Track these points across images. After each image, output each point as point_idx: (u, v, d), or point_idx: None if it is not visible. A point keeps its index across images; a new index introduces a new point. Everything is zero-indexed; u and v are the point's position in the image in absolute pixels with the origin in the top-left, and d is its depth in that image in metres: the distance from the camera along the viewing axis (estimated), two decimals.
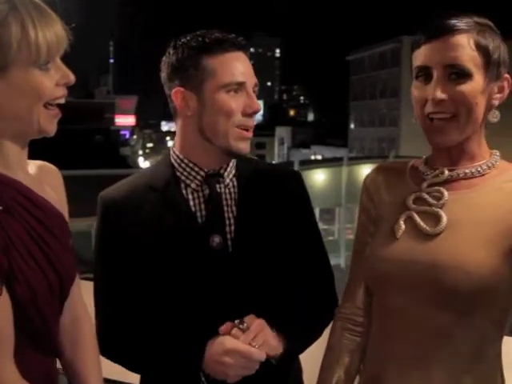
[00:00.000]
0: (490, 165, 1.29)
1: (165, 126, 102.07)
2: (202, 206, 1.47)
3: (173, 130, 1.81)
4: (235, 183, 1.51)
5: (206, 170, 1.48)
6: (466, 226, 1.23)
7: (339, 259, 29.11)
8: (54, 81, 1.13)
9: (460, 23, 1.23)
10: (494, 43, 1.24)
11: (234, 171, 1.52)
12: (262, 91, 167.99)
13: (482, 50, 1.22)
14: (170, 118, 1.56)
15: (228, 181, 1.50)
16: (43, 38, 1.08)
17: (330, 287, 1.59)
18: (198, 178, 1.48)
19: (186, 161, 1.49)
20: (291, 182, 1.58)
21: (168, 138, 78.92)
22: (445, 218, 1.24)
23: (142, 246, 1.41)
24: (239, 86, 1.42)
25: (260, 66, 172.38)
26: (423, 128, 1.27)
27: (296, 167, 27.86)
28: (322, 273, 1.59)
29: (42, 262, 1.12)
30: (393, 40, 46.16)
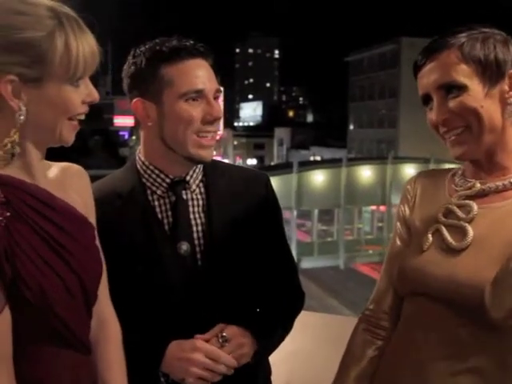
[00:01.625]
0: None
1: None
2: (169, 213, 1.47)
3: None
4: (202, 189, 1.51)
5: (171, 176, 1.48)
6: (491, 242, 1.20)
7: (338, 260, 29.07)
8: (82, 98, 1.15)
9: (440, 43, 1.25)
10: (486, 47, 1.23)
11: (200, 177, 1.52)
12: (261, 92, 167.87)
13: (470, 58, 1.22)
14: None
15: (194, 187, 1.50)
16: (83, 55, 1.10)
17: (295, 283, 1.62)
18: (164, 184, 1.48)
19: (151, 167, 1.48)
20: (258, 185, 1.58)
21: None
22: (471, 233, 1.22)
23: (109, 252, 1.36)
24: (198, 94, 1.41)
25: (259, 67, 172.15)
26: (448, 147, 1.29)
27: (295, 168, 27.84)
28: (288, 270, 1.62)
29: (58, 265, 1.11)
30: (392, 41, 46.18)
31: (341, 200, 29.25)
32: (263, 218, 1.55)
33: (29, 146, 1.14)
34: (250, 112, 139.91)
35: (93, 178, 1.55)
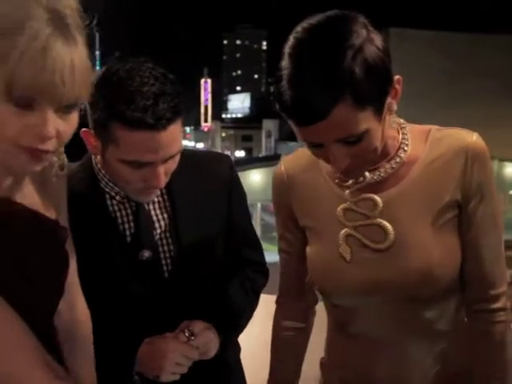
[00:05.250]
0: (404, 147, 1.18)
1: None
2: (130, 218, 1.40)
3: None
4: (163, 189, 1.41)
5: None
6: (406, 227, 1.16)
7: None
8: (22, 123, 0.91)
9: (325, 100, 1.01)
10: (374, 76, 1.04)
11: None
12: (249, 84, 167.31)
13: (365, 102, 1.03)
14: None
15: None
16: (24, 75, 0.87)
17: (263, 268, 1.58)
18: (122, 192, 1.39)
19: (108, 177, 1.38)
20: (222, 167, 1.50)
21: None
22: (390, 228, 1.15)
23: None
24: (143, 164, 1.26)
25: (246, 59, 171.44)
26: None
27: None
28: (255, 256, 1.57)
29: (19, 285, 1.04)
30: (380, 31, 46.08)
31: None
32: (229, 201, 1.49)
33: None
34: (238, 104, 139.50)
35: None
